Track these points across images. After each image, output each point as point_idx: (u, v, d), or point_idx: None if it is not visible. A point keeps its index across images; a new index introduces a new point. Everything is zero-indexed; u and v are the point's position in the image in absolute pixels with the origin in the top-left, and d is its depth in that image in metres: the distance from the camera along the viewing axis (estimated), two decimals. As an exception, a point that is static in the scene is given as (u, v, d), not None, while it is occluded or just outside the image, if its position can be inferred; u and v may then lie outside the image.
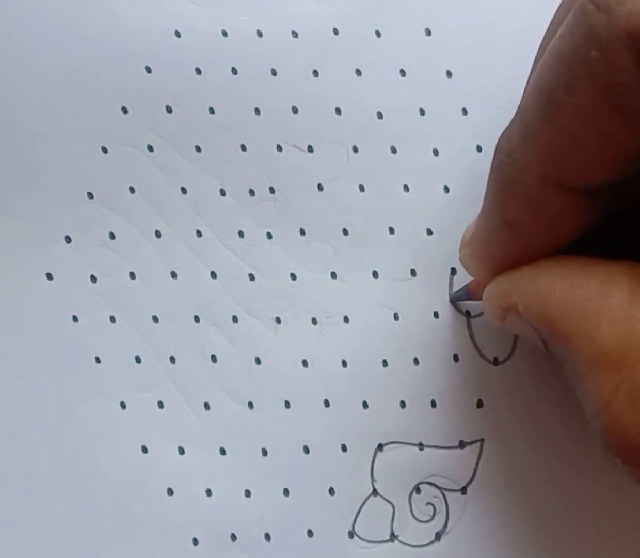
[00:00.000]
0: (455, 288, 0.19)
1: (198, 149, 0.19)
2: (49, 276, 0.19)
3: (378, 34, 0.18)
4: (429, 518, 0.19)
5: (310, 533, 0.19)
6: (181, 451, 0.19)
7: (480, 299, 0.16)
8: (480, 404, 0.19)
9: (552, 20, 0.14)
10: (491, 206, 0.14)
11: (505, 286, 0.14)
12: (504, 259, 0.15)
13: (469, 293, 0.18)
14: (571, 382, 0.14)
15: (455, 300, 0.19)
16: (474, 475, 0.19)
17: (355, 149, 0.19)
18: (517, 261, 0.14)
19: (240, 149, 0.19)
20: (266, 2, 0.18)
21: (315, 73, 0.18)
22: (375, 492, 0.19)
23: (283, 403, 0.19)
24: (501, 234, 0.14)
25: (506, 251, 0.14)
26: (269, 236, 0.19)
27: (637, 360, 0.12)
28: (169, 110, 0.19)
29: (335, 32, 0.18)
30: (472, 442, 0.19)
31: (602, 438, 0.13)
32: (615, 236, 0.14)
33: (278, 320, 0.19)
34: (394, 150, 0.19)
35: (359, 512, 0.19)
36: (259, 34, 0.18)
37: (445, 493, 0.19)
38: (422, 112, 0.18)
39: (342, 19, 0.18)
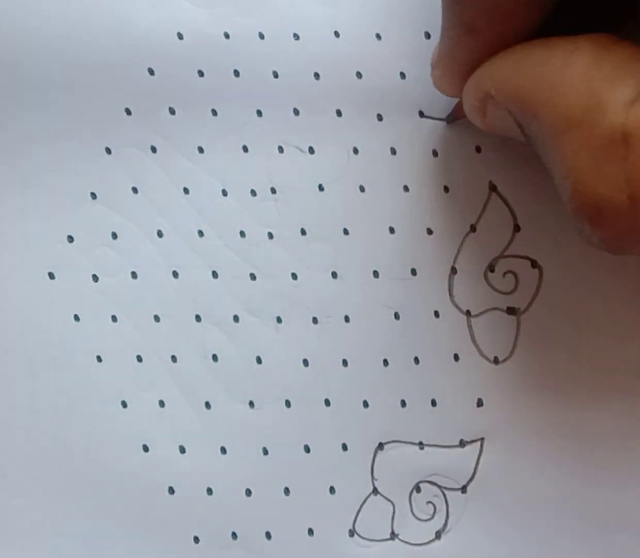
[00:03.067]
0: (456, 288, 0.20)
1: (200, 150, 0.20)
2: (51, 276, 0.20)
3: (378, 37, 0.19)
4: (429, 517, 0.20)
5: (310, 532, 0.20)
6: (182, 450, 0.20)
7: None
8: (480, 403, 0.20)
9: None
10: (450, 15, 0.15)
11: (478, 75, 0.16)
12: (473, 64, 0.16)
13: (457, 110, 0.19)
14: (547, 164, 0.15)
15: (450, 121, 0.19)
16: (474, 473, 0.20)
17: (355, 151, 0.20)
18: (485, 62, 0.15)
19: (242, 150, 0.20)
20: (268, 4, 0.19)
21: (316, 75, 0.19)
22: (375, 491, 0.20)
23: (284, 402, 0.20)
24: (465, 41, 0.15)
25: (473, 58, 0.16)
26: (270, 236, 0.20)
27: (598, 117, 0.13)
28: (172, 111, 0.19)
29: (336, 34, 0.19)
30: (472, 441, 0.20)
31: (570, 206, 0.14)
32: (577, 21, 0.15)
33: (279, 319, 0.20)
34: (393, 151, 0.20)
35: (359, 511, 0.20)
36: (261, 36, 0.19)
37: (446, 492, 0.20)
38: (421, 114, 0.19)
39: (343, 22, 0.19)
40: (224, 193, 0.20)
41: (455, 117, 0.19)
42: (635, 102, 0.13)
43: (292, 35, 0.19)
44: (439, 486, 0.20)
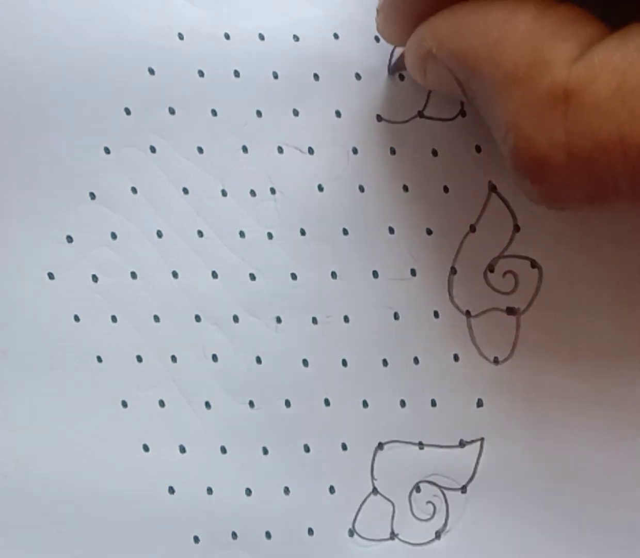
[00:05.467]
0: (456, 288, 0.21)
1: (200, 150, 0.20)
2: (51, 276, 0.20)
3: (377, 39, 0.20)
4: (429, 516, 0.21)
5: (310, 531, 0.20)
6: (182, 450, 0.20)
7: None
8: (480, 403, 0.20)
9: None
10: None
11: (420, 32, 0.16)
12: (415, 15, 0.16)
13: (400, 61, 0.19)
14: (487, 121, 0.15)
15: (392, 71, 0.20)
16: (474, 474, 0.20)
17: (355, 151, 0.20)
18: (428, 15, 0.16)
19: (241, 151, 0.20)
20: (268, 6, 0.20)
21: (316, 76, 0.20)
22: (375, 491, 0.21)
23: (283, 402, 0.20)
24: None
25: (415, 8, 0.16)
26: (270, 236, 0.21)
27: (541, 74, 0.14)
28: (172, 111, 0.20)
29: (336, 36, 0.20)
30: (472, 441, 0.20)
31: (510, 162, 0.14)
32: None
33: (278, 319, 0.21)
34: (393, 151, 0.20)
35: (359, 511, 0.20)
36: (261, 37, 0.20)
37: (446, 491, 0.20)
38: (420, 114, 0.20)
39: (342, 24, 0.20)
40: (224, 193, 0.20)
41: (397, 68, 0.20)
42: (577, 60, 0.13)
43: (292, 36, 0.20)
44: (439, 486, 0.20)
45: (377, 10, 0.18)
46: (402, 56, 0.19)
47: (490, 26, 0.14)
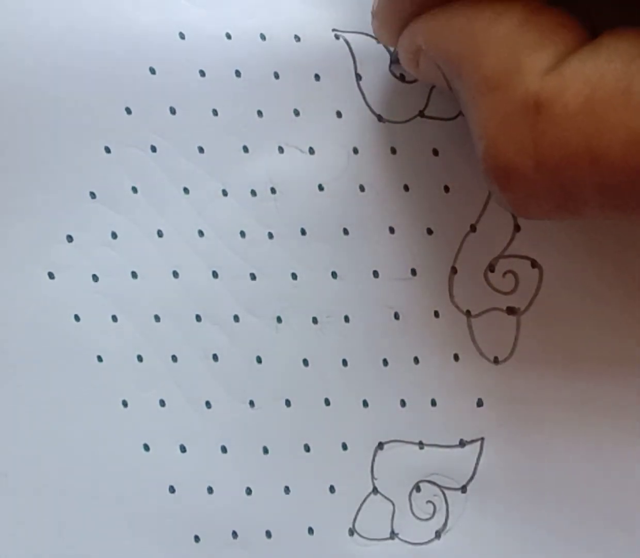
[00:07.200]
0: (456, 288, 0.21)
1: (201, 149, 0.21)
2: (51, 275, 0.21)
3: (378, 39, 0.20)
4: (429, 516, 0.21)
5: (310, 530, 0.21)
6: (183, 449, 0.21)
7: None
8: (480, 403, 0.21)
9: None
10: None
11: (411, 30, 0.17)
12: (409, 17, 0.17)
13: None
14: (467, 120, 0.16)
15: (394, 61, 0.20)
16: (474, 473, 0.21)
17: (355, 151, 0.21)
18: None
19: (242, 150, 0.21)
20: (269, 6, 0.20)
21: (317, 77, 0.20)
22: (375, 490, 0.21)
23: (284, 402, 0.21)
24: None
25: (410, 12, 0.17)
26: (270, 235, 0.21)
27: (515, 82, 0.14)
28: (173, 111, 0.21)
29: (337, 36, 0.20)
30: (472, 441, 0.21)
31: (482, 167, 0.15)
32: None
33: (279, 319, 0.21)
34: (393, 151, 0.21)
35: (359, 510, 0.21)
36: (262, 37, 0.20)
37: (446, 491, 0.21)
38: (421, 114, 0.20)
39: (343, 24, 0.20)
40: (224, 193, 0.21)
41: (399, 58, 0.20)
42: (551, 70, 0.14)
43: (293, 36, 0.20)
44: (439, 486, 0.21)
45: (372, 14, 0.18)
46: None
47: (475, 27, 0.15)
